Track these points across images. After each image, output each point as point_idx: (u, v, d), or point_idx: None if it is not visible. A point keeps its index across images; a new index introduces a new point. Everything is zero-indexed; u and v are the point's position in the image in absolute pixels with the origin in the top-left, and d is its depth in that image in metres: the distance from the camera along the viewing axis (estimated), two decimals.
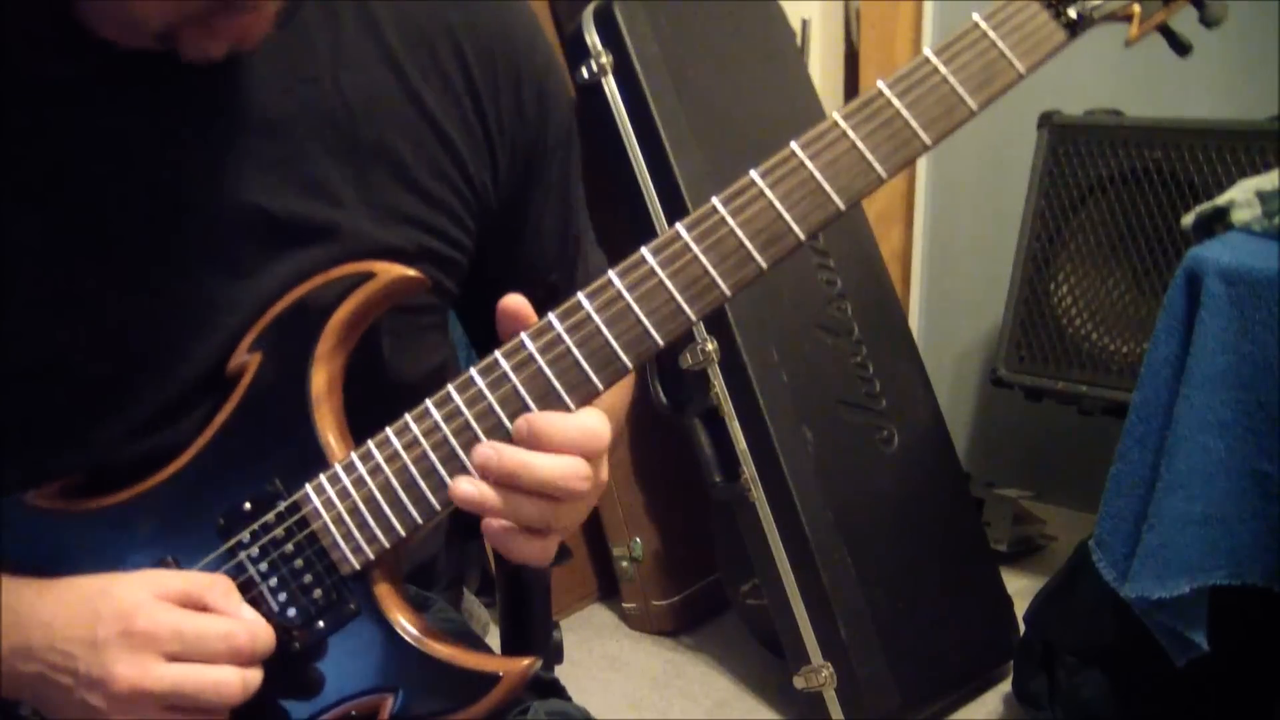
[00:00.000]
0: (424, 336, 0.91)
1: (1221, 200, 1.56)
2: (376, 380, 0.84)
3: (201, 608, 0.74)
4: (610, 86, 1.92)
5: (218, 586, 0.75)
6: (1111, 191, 2.07)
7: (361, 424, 0.79)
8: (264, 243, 0.80)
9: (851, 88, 2.66)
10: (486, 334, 0.78)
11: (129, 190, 0.78)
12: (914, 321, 2.69)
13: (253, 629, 0.74)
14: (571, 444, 0.73)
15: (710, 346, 1.87)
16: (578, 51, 1.93)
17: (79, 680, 0.72)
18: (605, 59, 1.91)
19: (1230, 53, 2.09)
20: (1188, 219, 1.61)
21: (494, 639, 1.12)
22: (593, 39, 1.93)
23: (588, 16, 1.94)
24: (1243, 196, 1.54)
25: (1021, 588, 2.15)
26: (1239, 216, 1.53)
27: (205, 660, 0.72)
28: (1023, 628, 1.94)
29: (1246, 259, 1.38)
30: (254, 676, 0.73)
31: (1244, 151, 1.89)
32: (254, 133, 0.80)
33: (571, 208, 0.98)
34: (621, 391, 0.96)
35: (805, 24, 2.52)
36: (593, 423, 0.75)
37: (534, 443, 0.73)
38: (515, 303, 0.76)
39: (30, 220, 0.77)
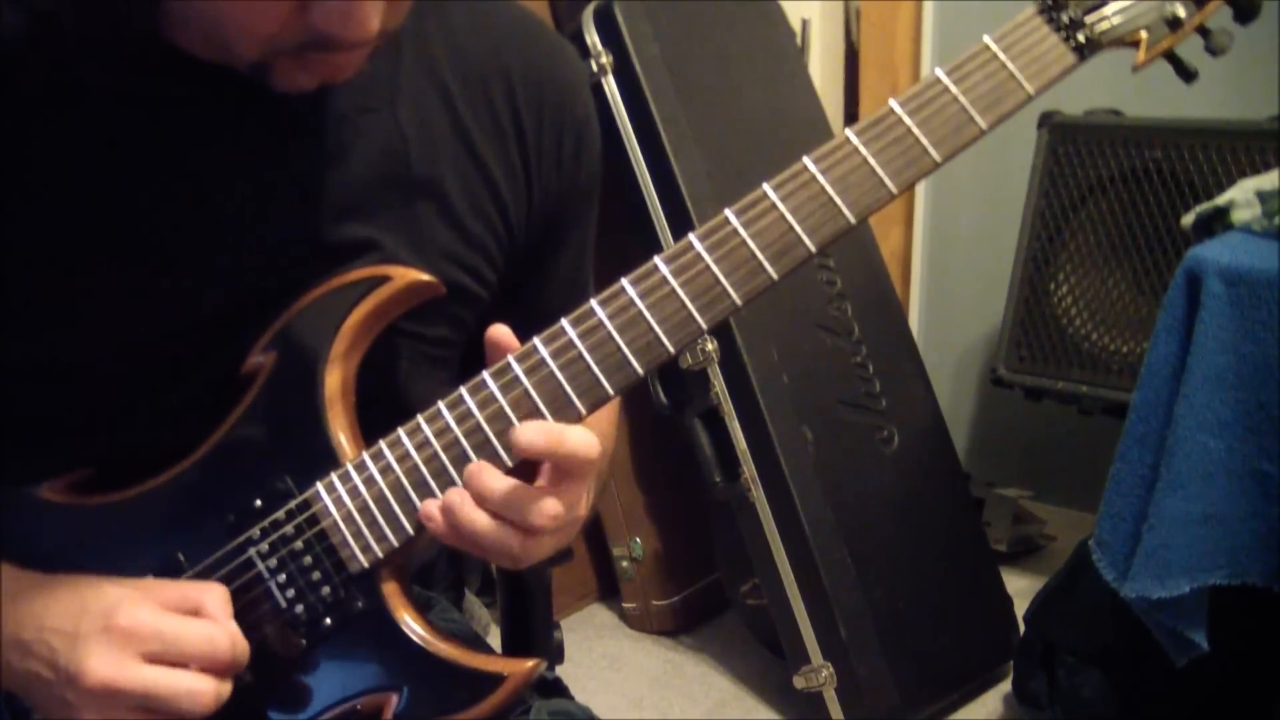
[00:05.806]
0: (435, 370, 0.91)
1: (1221, 200, 1.56)
2: (384, 402, 0.84)
3: (194, 612, 0.74)
4: (610, 86, 1.93)
5: (213, 593, 0.75)
6: (1111, 191, 2.07)
7: (367, 441, 0.80)
8: (301, 261, 0.81)
9: (851, 88, 2.66)
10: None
11: (168, 198, 0.78)
12: (914, 321, 2.69)
13: (235, 638, 0.74)
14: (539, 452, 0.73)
15: (710, 346, 1.87)
16: (578, 51, 1.93)
17: (58, 674, 0.71)
18: (605, 59, 1.91)
19: (1230, 53, 2.09)
20: (1188, 219, 1.61)
21: (494, 639, 1.12)
22: (593, 39, 1.93)
23: (588, 16, 1.94)
24: (1243, 196, 1.54)
25: (1021, 588, 2.15)
26: (1239, 216, 1.53)
27: (183, 663, 0.72)
28: (1023, 628, 1.94)
29: (1246, 259, 1.38)
30: (226, 689, 0.73)
31: (1244, 151, 1.89)
32: (308, 157, 0.80)
33: (586, 254, 1.00)
34: (609, 412, 0.96)
35: (805, 24, 2.52)
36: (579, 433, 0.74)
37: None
38: (501, 333, 0.77)
39: (60, 222, 0.77)
